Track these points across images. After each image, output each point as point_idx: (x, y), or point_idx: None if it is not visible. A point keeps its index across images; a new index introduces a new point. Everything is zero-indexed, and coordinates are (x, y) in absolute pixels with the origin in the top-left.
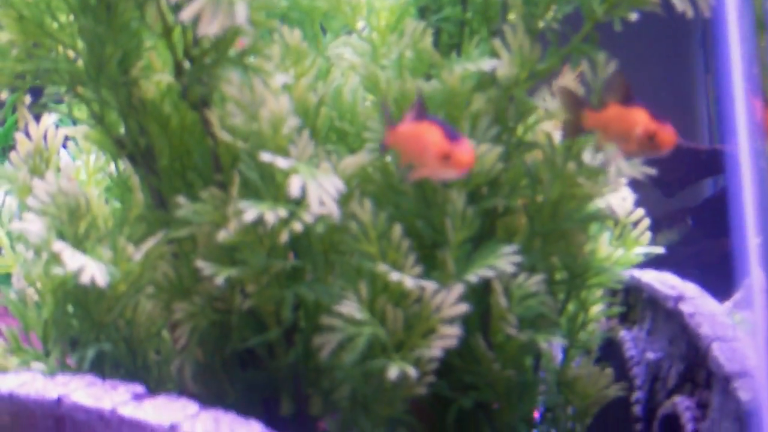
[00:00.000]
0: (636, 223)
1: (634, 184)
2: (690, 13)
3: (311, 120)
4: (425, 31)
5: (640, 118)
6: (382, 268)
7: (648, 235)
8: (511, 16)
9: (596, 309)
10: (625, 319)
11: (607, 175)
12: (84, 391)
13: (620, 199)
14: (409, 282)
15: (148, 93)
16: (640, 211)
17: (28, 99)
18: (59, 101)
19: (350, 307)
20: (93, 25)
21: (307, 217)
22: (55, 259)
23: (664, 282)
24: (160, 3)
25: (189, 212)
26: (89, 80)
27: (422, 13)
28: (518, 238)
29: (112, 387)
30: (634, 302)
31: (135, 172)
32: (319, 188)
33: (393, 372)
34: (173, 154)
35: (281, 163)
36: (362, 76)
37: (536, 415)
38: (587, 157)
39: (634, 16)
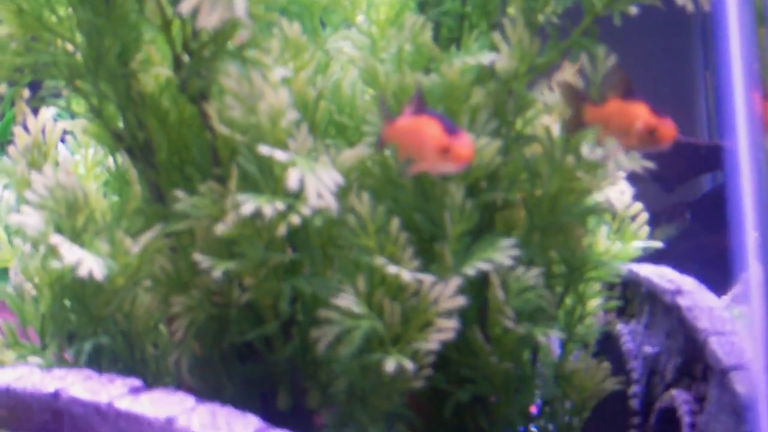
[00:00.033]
0: (634, 217)
1: (633, 178)
2: (690, 7)
3: (310, 113)
4: (425, 25)
5: (640, 113)
6: (379, 261)
7: (646, 229)
8: (511, 10)
9: (594, 303)
10: (622, 312)
11: (606, 169)
12: (81, 385)
13: (618, 193)
14: (406, 275)
15: (146, 86)
16: (639, 205)
17: (26, 93)
18: (58, 95)
19: (347, 301)
20: (92, 18)
21: (305, 211)
22: (53, 252)
23: (662, 276)
24: None
25: (187, 206)
26: (88, 73)
27: (422, 7)
28: (517, 232)
29: (109, 381)
30: (631, 296)
31: (133, 166)
32: (318, 181)
33: (390, 365)
34: (171, 148)
35: (280, 156)
36: (361, 69)
37: (534, 409)
38: (586, 150)
39: (633, 10)
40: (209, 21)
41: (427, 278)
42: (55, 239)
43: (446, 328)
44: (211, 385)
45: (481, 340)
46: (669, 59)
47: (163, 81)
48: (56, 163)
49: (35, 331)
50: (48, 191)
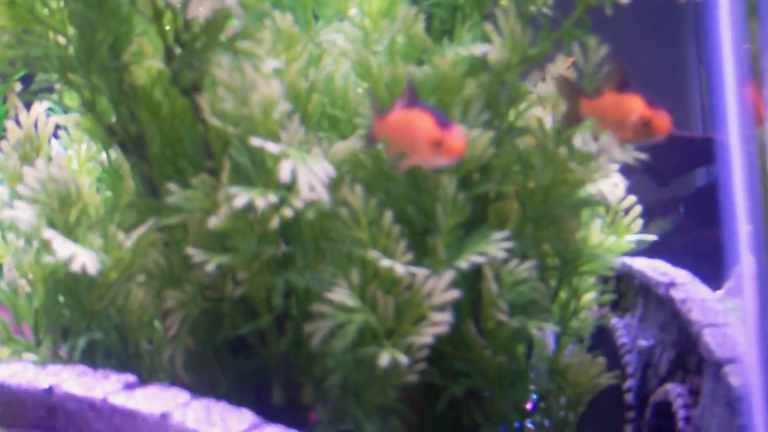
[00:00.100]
0: (628, 210)
1: (626, 171)
2: None
3: (302, 105)
4: (417, 17)
5: (635, 105)
6: (372, 254)
7: (640, 222)
8: (503, 1)
9: (588, 296)
10: (616, 306)
11: (599, 161)
12: (75, 381)
13: (612, 185)
14: (399, 269)
15: (138, 79)
16: (632, 198)
17: (18, 86)
18: (50, 89)
19: (341, 294)
20: (83, 10)
21: (298, 203)
22: (46, 247)
23: (655, 269)
24: None
25: (180, 199)
26: (80, 66)
27: None
28: (510, 224)
29: (103, 376)
30: (625, 289)
31: (126, 160)
32: (310, 173)
33: (384, 359)
34: (164, 141)
35: (272, 148)
36: (354, 62)
37: (529, 406)
38: (578, 142)
39: (625, 0)
40: (200, 11)
41: (421, 271)
42: (48, 234)
43: (440, 322)
44: (205, 380)
45: (474, 333)
46: (662, 52)
47: (155, 73)
48: (49, 158)
49: (29, 327)
50: (40, 185)
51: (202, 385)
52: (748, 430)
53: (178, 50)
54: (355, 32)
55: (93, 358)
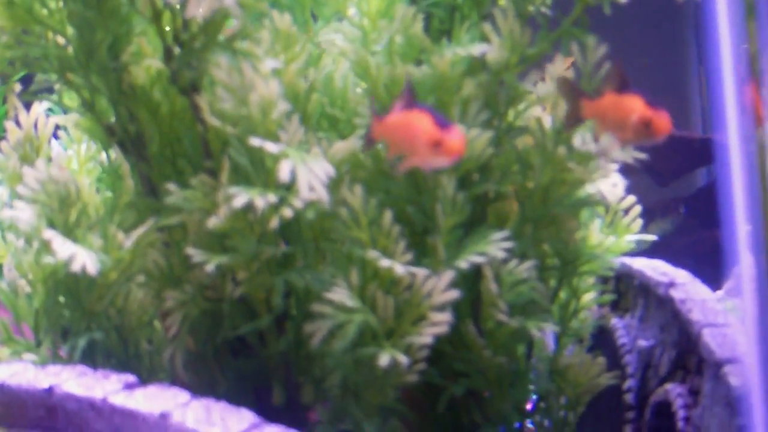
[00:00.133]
0: (627, 210)
1: (626, 171)
2: None
3: (301, 105)
4: (416, 17)
5: (635, 106)
6: (372, 254)
7: (639, 222)
8: (502, 1)
9: (588, 296)
10: (616, 306)
11: (598, 160)
12: (75, 381)
13: (611, 185)
14: (399, 269)
15: (138, 79)
16: (632, 198)
17: (18, 87)
18: (50, 90)
19: (341, 294)
20: (82, 11)
21: (297, 203)
22: (46, 247)
23: (655, 269)
24: None
25: (179, 199)
26: (79, 66)
27: None
28: (509, 224)
29: (103, 376)
30: (625, 290)
31: (125, 160)
32: (309, 173)
33: (384, 359)
34: (163, 141)
35: (271, 147)
36: (353, 62)
37: (529, 406)
38: (577, 141)
39: (624, 0)
40: (199, 11)
41: (420, 271)
42: (48, 234)
43: (439, 322)
44: (205, 380)
45: (474, 333)
46: (662, 53)
47: (155, 73)
48: (49, 158)
49: (29, 327)
50: (40, 185)
51: (202, 385)
52: (748, 430)
53: (176, 50)
54: (354, 32)
55: (93, 358)
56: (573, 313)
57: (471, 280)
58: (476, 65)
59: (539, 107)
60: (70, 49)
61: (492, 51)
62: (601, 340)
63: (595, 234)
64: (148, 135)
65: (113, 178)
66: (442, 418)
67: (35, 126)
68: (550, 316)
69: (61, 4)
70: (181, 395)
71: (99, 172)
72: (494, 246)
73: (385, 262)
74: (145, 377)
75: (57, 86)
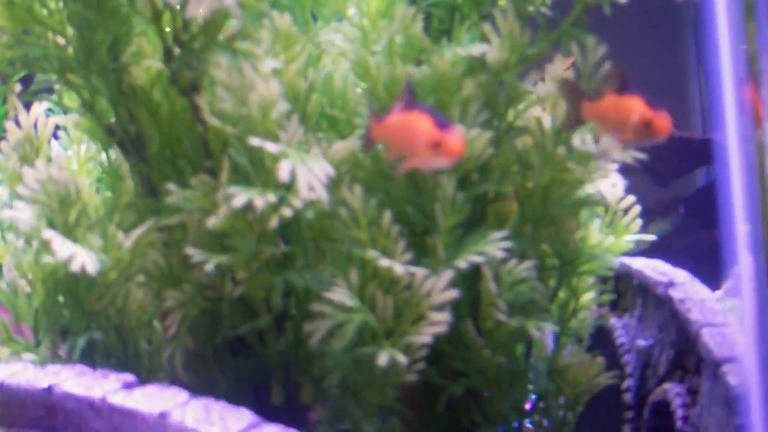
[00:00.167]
0: (626, 210)
1: (625, 171)
2: None
3: (301, 105)
4: (416, 17)
5: (636, 106)
6: (371, 254)
7: (638, 222)
8: (501, 1)
9: (587, 296)
10: (615, 306)
11: (597, 160)
12: (74, 381)
13: (610, 185)
14: (398, 268)
15: (138, 79)
16: (631, 198)
17: (18, 87)
18: (49, 90)
19: (340, 294)
20: (82, 11)
21: (297, 203)
22: (46, 247)
23: (654, 268)
24: None
25: (179, 199)
26: (79, 67)
27: None
28: (509, 224)
29: (102, 376)
30: (624, 289)
31: (125, 160)
32: (309, 173)
33: (383, 359)
34: (163, 141)
35: (270, 147)
36: (353, 62)
37: (528, 406)
38: (577, 141)
39: (623, 0)
40: (199, 11)
41: (420, 271)
42: (48, 234)
43: (439, 322)
44: (204, 380)
45: (473, 333)
46: (662, 53)
47: (155, 73)
48: (48, 158)
49: (29, 327)
50: (40, 186)
51: (201, 385)
52: (747, 430)
53: (176, 50)
54: (354, 32)
55: (92, 358)
56: (572, 313)
57: (470, 279)
58: (476, 65)
59: (539, 107)
60: (70, 50)
61: (492, 51)
62: (600, 340)
63: (594, 234)
64: (148, 135)
65: (113, 179)
66: (442, 418)
67: (35, 126)
68: (549, 316)
69: (61, 4)
70: (180, 395)
71: (99, 172)
72: (493, 246)
73: (384, 262)
74: (145, 377)
75: (57, 86)
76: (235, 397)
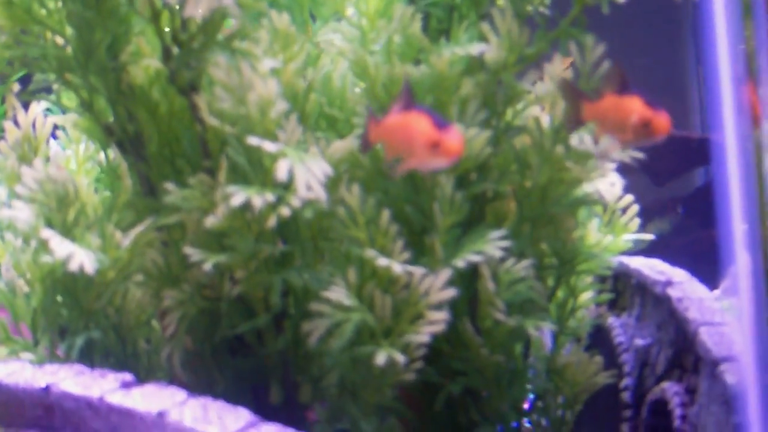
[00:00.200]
0: (625, 209)
1: (623, 170)
2: None
3: (300, 105)
4: (414, 16)
5: (635, 106)
6: (370, 253)
7: (637, 221)
8: (500, 1)
9: (585, 295)
10: (614, 305)
11: (595, 159)
12: (73, 380)
13: (608, 185)
14: (397, 268)
15: (136, 79)
16: (629, 197)
17: (16, 87)
18: (48, 89)
19: (338, 293)
20: (81, 11)
21: (295, 202)
22: (44, 246)
23: (652, 267)
24: None
25: (177, 198)
26: (78, 66)
27: None
28: (507, 223)
29: (100, 375)
30: (622, 289)
31: (124, 159)
32: (307, 172)
33: (381, 358)
34: (162, 141)
35: (269, 147)
36: (351, 61)
37: (526, 405)
38: (575, 141)
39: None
40: (197, 11)
41: (418, 270)
42: (46, 233)
43: (437, 321)
44: (203, 379)
45: (471, 332)
46: (661, 52)
47: (153, 73)
48: (47, 158)
49: (27, 327)
50: (38, 185)
51: (199, 384)
52: (744, 428)
53: (175, 50)
54: (353, 32)
55: (91, 357)
56: (570, 312)
57: (468, 278)
58: (474, 65)
59: (537, 107)
60: (69, 49)
61: (490, 50)
62: (599, 339)
63: (592, 233)
64: (146, 135)
65: (111, 178)
66: (440, 417)
67: (33, 126)
68: (547, 315)
69: (59, 4)
70: (179, 394)
71: (97, 171)
72: (492, 245)
73: (382, 261)
74: (143, 376)
75: (55, 86)
76: (233, 396)
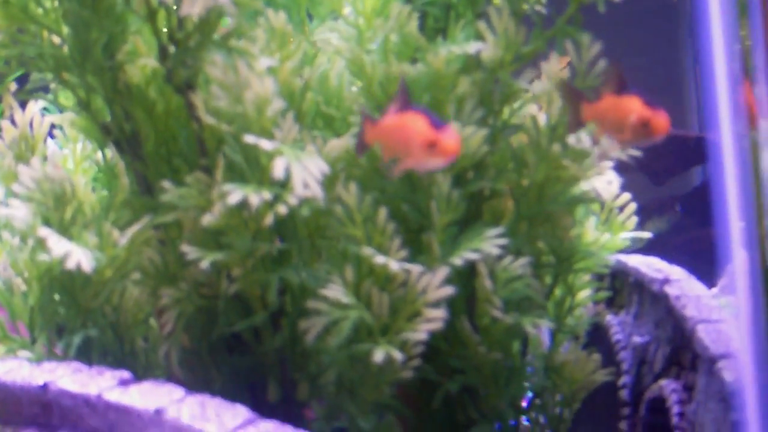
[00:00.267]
0: (622, 208)
1: (621, 169)
2: None
3: (296, 104)
4: (411, 15)
5: (634, 106)
6: (367, 251)
7: (634, 219)
8: None
9: (583, 293)
10: (611, 303)
11: (592, 158)
12: (70, 378)
13: (606, 183)
14: (394, 265)
15: (133, 78)
16: (627, 196)
17: (13, 86)
18: (45, 89)
19: (336, 291)
20: (78, 10)
21: (292, 200)
22: (41, 245)
23: (650, 265)
24: None
25: (174, 197)
26: (74, 65)
27: None
28: (504, 221)
29: (98, 373)
30: (620, 286)
31: (121, 158)
32: (304, 171)
33: (379, 356)
34: (159, 139)
35: (265, 145)
36: (348, 60)
37: (524, 403)
38: (572, 139)
39: None
40: (193, 9)
41: (415, 268)
42: (43, 232)
43: (434, 318)
44: (200, 377)
45: (469, 330)
46: (658, 52)
47: (150, 72)
48: (44, 157)
49: (25, 325)
50: (36, 184)
51: (197, 382)
52: (742, 426)
53: (172, 49)
54: (349, 31)
55: (89, 355)
56: (568, 310)
57: (466, 276)
58: (471, 63)
59: (534, 105)
60: (66, 48)
61: (487, 49)
62: (596, 337)
63: (590, 231)
64: (143, 133)
65: (109, 177)
66: (438, 415)
67: (31, 125)
68: (545, 313)
69: (56, 3)
70: (176, 391)
71: (95, 170)
72: (489, 243)
73: (380, 259)
74: (141, 374)
75: (52, 85)
76: (231, 394)
